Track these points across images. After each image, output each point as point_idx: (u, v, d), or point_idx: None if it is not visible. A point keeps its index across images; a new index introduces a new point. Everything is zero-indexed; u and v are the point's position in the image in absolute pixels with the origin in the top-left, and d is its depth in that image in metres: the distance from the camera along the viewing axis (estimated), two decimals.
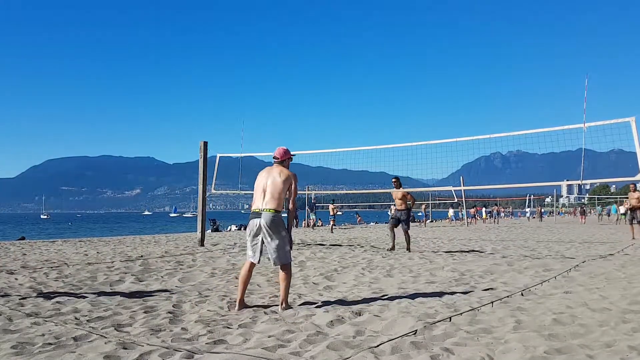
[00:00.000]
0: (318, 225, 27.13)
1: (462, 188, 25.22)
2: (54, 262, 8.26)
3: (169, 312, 4.50)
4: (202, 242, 11.75)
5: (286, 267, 4.71)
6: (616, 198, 53.53)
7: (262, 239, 4.66)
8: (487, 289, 5.76)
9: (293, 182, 4.78)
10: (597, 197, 67.77)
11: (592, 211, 58.80)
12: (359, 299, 5.22)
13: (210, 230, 24.28)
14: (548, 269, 7.47)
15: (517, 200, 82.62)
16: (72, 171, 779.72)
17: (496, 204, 51.81)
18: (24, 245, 12.21)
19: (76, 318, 4.28)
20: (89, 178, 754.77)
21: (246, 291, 5.18)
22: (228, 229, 28.37)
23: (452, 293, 5.52)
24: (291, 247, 4.77)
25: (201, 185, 12.11)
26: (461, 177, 29.19)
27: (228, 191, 19.95)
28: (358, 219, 38.25)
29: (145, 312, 4.50)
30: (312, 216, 27.13)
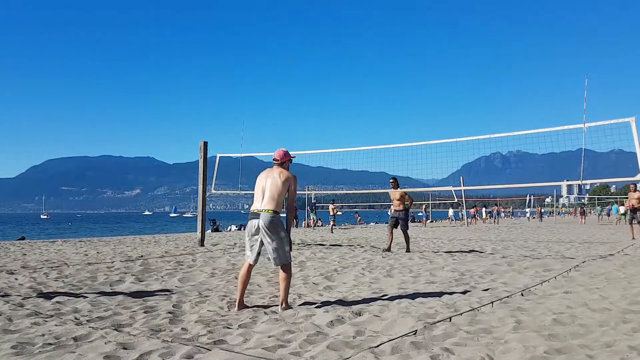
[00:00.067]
0: (318, 226, 27.13)
1: (462, 188, 25.23)
2: (54, 262, 8.26)
3: (169, 312, 4.50)
4: (202, 242, 11.75)
5: (286, 267, 4.72)
6: (616, 198, 53.54)
7: (261, 240, 4.67)
8: (487, 289, 5.76)
9: (292, 183, 4.78)
10: (597, 197, 67.78)
11: (592, 211, 58.81)
12: (359, 299, 5.22)
13: (210, 231, 24.28)
14: (548, 269, 7.47)
15: (517, 200, 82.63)
16: (72, 171, 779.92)
17: (496, 204, 51.79)
18: (24, 245, 12.21)
19: (76, 318, 4.28)
20: (89, 178, 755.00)
21: (246, 291, 5.18)
22: (228, 229, 28.37)
23: (452, 293, 5.52)
24: (290, 248, 4.78)
25: (201, 185, 12.11)
26: (461, 177, 29.20)
27: (228, 191, 19.96)
28: (358, 219, 38.26)
29: (145, 312, 4.50)
30: (313, 216, 27.13)
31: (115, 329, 3.88)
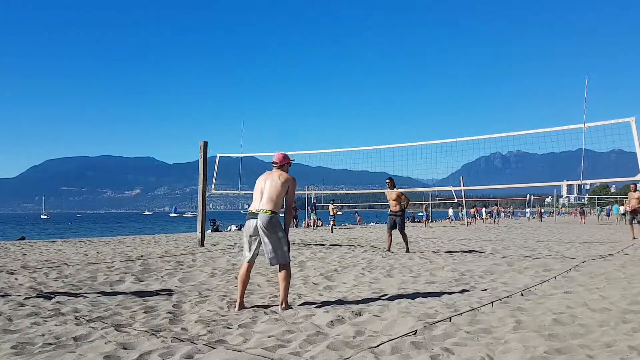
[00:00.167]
0: (318, 226, 27.14)
1: (462, 188, 25.22)
2: (54, 262, 8.26)
3: (169, 312, 4.50)
4: (202, 242, 11.75)
5: (285, 267, 4.73)
6: (616, 198, 53.54)
7: (259, 240, 4.68)
8: (487, 289, 5.76)
9: (291, 185, 4.81)
10: (597, 197, 67.78)
11: (592, 211, 58.81)
12: (359, 299, 5.22)
13: (210, 231, 24.29)
14: (548, 269, 7.48)
15: (517, 200, 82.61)
16: (72, 171, 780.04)
17: (496, 204, 51.80)
18: (24, 245, 12.22)
19: (76, 318, 4.28)
20: (89, 178, 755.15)
21: (246, 291, 5.18)
22: (228, 229, 28.37)
23: (452, 293, 5.52)
24: (289, 248, 4.78)
25: (201, 185, 12.11)
26: (461, 177, 29.19)
27: (228, 191, 19.96)
28: (358, 219, 38.27)
29: (145, 312, 4.50)
30: (313, 216, 27.14)
31: (115, 329, 3.88)
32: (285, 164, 4.96)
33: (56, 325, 4.02)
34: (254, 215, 4.67)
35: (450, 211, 38.12)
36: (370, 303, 4.96)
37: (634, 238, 14.50)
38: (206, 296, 5.35)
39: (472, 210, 37.59)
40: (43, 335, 3.72)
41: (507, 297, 5.22)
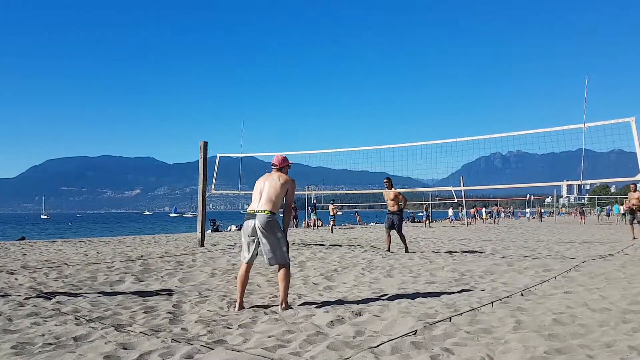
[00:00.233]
0: (318, 226, 27.15)
1: (462, 188, 25.22)
2: (54, 262, 8.26)
3: (169, 312, 4.50)
4: (202, 242, 11.75)
5: (284, 267, 4.73)
6: (616, 198, 53.54)
7: (258, 240, 4.69)
8: (487, 289, 5.76)
9: (290, 187, 4.82)
10: (597, 198, 67.78)
11: (592, 211, 58.79)
12: (359, 299, 5.22)
13: (210, 231, 24.30)
14: (548, 269, 7.47)
15: (517, 200, 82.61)
16: (72, 171, 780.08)
17: (496, 204, 51.79)
18: (24, 245, 12.22)
19: (76, 318, 4.28)
20: (89, 178, 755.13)
21: (246, 291, 5.19)
22: (228, 229, 28.38)
23: (452, 293, 5.52)
24: (288, 249, 4.79)
25: (201, 186, 12.12)
26: (461, 177, 29.19)
27: (228, 191, 19.94)
28: (357, 219, 38.29)
29: (145, 312, 4.50)
30: (313, 216, 27.15)
31: (115, 329, 3.88)
32: (284, 166, 4.99)
33: (56, 325, 4.02)
34: (252, 216, 4.68)
35: (450, 211, 38.13)
36: (370, 303, 4.96)
37: (634, 238, 14.51)
38: (206, 296, 5.35)
39: (472, 211, 37.59)
40: (43, 335, 3.72)
41: (507, 297, 5.22)
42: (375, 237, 16.03)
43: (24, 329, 3.91)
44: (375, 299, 5.18)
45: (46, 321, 4.16)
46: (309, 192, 28.20)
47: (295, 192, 5.07)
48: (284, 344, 3.50)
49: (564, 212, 76.00)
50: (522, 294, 5.40)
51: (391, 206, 10.79)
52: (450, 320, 4.15)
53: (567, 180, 33.51)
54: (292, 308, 4.71)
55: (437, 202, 45.71)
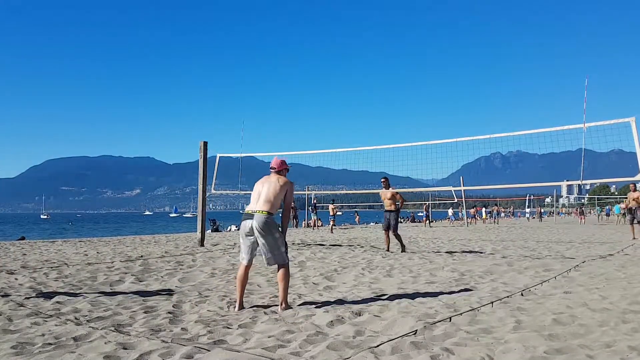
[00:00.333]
0: (319, 226, 27.15)
1: (462, 188, 25.22)
2: (54, 262, 8.26)
3: (169, 312, 4.51)
4: (202, 242, 11.75)
5: (284, 267, 4.74)
6: (616, 198, 53.55)
7: (255, 241, 4.69)
8: (487, 289, 5.76)
9: (289, 189, 4.85)
10: (597, 198, 67.77)
11: (592, 211, 58.79)
12: (359, 299, 5.22)
13: (210, 231, 24.30)
14: (548, 269, 7.47)
15: (517, 200, 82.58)
16: (72, 171, 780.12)
17: (496, 204, 51.79)
18: (24, 245, 12.22)
19: (76, 318, 4.28)
20: (89, 178, 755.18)
21: (246, 291, 5.19)
22: (228, 229, 28.38)
23: (452, 293, 5.52)
24: (286, 249, 4.80)
25: (201, 186, 12.11)
26: (461, 177, 29.19)
27: (228, 191, 19.95)
28: (357, 219, 38.31)
29: (145, 312, 4.50)
30: (313, 216, 27.16)
31: (115, 329, 3.89)
32: (283, 169, 5.01)
33: (56, 325, 4.02)
34: (250, 216, 4.70)
35: (450, 211, 38.12)
36: (370, 303, 4.96)
37: (634, 238, 14.51)
38: (206, 296, 5.35)
39: (472, 211, 37.57)
40: (43, 335, 3.72)
41: (507, 297, 5.22)
42: (375, 237, 16.04)
43: (24, 329, 3.92)
44: (375, 299, 5.18)
45: (46, 321, 4.16)
46: (309, 192, 28.19)
47: (295, 192, 5.09)
48: (284, 344, 3.50)
49: (563, 212, 75.99)
50: (522, 294, 5.40)
51: (388, 205, 10.79)
52: (450, 320, 4.15)
53: (567, 180, 33.52)
54: (292, 308, 4.71)
55: (437, 202, 45.71)
